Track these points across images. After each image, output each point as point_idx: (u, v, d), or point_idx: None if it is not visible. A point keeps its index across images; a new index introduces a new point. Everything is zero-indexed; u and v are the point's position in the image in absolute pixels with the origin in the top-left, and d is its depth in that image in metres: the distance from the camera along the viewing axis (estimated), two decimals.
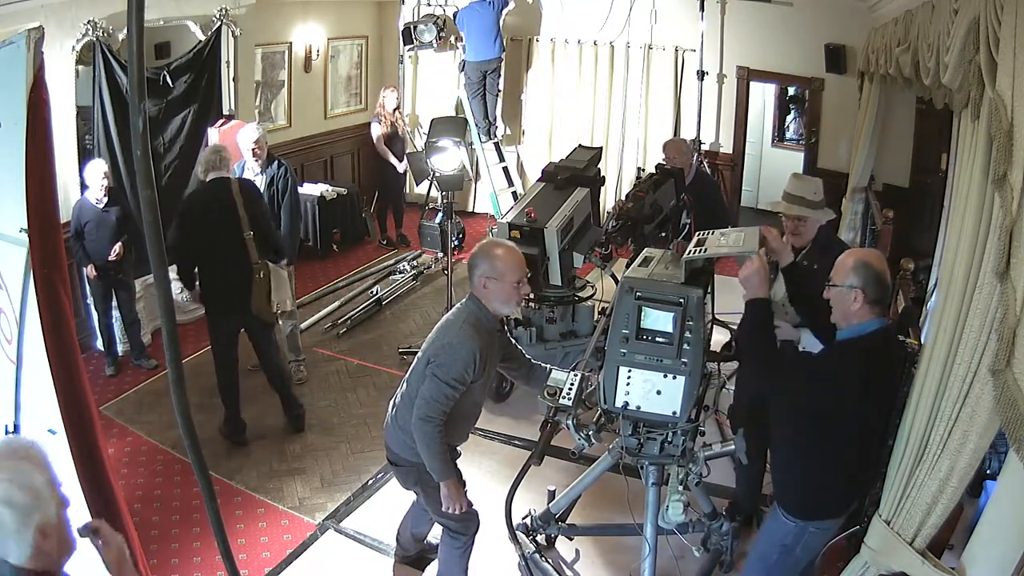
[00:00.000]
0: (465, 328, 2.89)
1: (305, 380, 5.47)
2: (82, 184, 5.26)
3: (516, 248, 3.03)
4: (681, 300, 2.80)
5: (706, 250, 3.01)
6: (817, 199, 3.51)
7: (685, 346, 2.80)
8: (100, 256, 5.12)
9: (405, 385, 3.11)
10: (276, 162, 5.19)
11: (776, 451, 2.98)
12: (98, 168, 5.00)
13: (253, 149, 5.05)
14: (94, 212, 5.04)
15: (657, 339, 2.82)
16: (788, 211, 3.52)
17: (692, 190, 5.20)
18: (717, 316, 5.04)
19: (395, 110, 7.85)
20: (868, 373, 2.54)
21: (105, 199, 5.03)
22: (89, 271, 5.14)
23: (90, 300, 5.63)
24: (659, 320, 2.81)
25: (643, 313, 2.83)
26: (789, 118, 9.47)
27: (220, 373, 4.73)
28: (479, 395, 3.11)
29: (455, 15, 8.00)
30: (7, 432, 2.88)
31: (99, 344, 5.71)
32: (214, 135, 5.94)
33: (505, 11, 7.90)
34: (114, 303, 5.45)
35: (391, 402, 3.22)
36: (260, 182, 5.08)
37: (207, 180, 4.53)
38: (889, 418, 2.77)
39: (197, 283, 4.64)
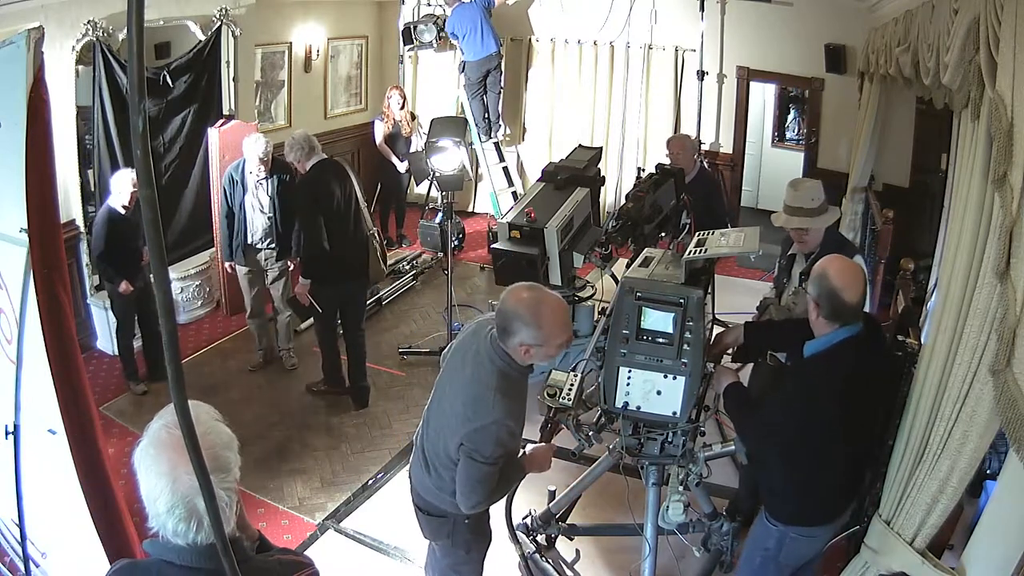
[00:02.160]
0: (496, 402, 2.47)
1: (297, 366, 5.65)
2: (103, 192, 5.24)
3: (561, 301, 2.55)
4: (681, 301, 2.80)
5: (706, 250, 3.01)
6: (816, 205, 3.43)
7: (685, 347, 2.79)
8: (133, 266, 5.00)
9: (438, 441, 2.69)
10: (284, 172, 5.18)
11: (759, 456, 2.98)
12: (127, 176, 4.86)
13: (262, 159, 5.03)
14: (122, 220, 4.87)
15: (657, 339, 2.81)
16: (788, 224, 3.47)
17: (694, 188, 5.20)
18: (717, 316, 5.06)
19: (401, 108, 7.84)
20: (837, 391, 2.50)
21: (131, 205, 4.90)
22: (124, 288, 4.96)
23: (93, 306, 5.62)
24: (659, 320, 2.81)
25: (643, 313, 2.82)
26: (790, 118, 9.46)
27: (332, 351, 5.16)
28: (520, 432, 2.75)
29: (445, 23, 7.98)
30: (7, 433, 2.88)
31: (98, 343, 5.72)
32: (214, 135, 5.94)
33: (494, 6, 7.87)
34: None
35: (416, 438, 2.90)
36: (265, 188, 5.13)
37: (312, 163, 4.73)
38: (876, 426, 2.77)
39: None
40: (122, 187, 4.85)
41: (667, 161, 5.26)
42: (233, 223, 5.17)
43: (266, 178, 5.11)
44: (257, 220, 5.18)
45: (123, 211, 4.88)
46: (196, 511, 1.43)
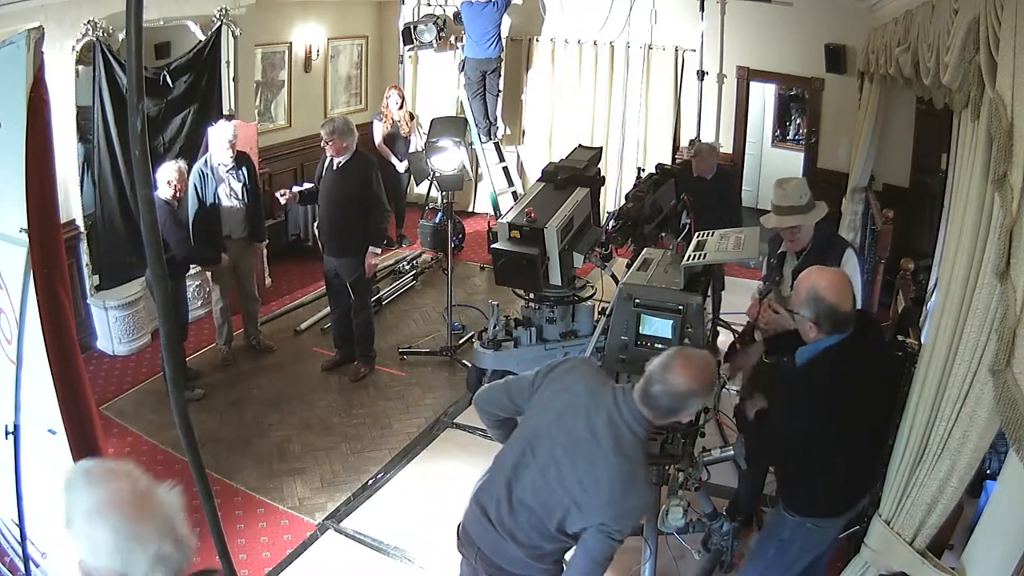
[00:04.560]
0: (646, 479, 2.38)
1: (274, 348, 5.92)
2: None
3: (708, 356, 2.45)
4: (680, 307, 2.79)
5: (705, 255, 3.00)
6: (804, 201, 3.43)
7: None
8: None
9: (546, 516, 2.38)
10: (248, 162, 5.48)
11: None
12: (170, 168, 4.91)
13: (231, 142, 5.26)
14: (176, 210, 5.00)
15: (656, 345, 2.81)
16: (782, 224, 3.47)
17: (716, 186, 5.51)
18: (721, 317, 5.06)
19: (400, 108, 7.84)
20: (836, 390, 2.52)
21: (178, 197, 4.99)
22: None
23: (93, 306, 5.63)
24: (658, 327, 2.81)
25: (642, 320, 2.82)
26: (792, 116, 9.43)
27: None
28: None
29: (455, 15, 8.00)
30: (7, 433, 2.88)
31: (98, 343, 5.72)
32: (214, 135, 5.94)
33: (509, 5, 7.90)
34: None
35: (493, 499, 2.50)
36: (234, 176, 5.32)
37: (355, 148, 5.15)
38: (881, 420, 2.77)
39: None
40: (164, 180, 4.87)
41: (667, 162, 5.33)
42: (204, 219, 5.19)
43: (235, 167, 5.29)
44: (233, 210, 5.33)
45: (176, 203, 4.96)
46: (171, 562, 1.36)
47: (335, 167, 5.10)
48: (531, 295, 5.00)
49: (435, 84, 8.86)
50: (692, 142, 7.75)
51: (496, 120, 8.25)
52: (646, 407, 2.30)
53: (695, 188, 5.40)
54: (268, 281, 6.93)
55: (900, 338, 3.16)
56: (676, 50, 7.89)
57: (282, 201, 5.46)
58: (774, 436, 2.71)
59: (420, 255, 7.79)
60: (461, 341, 5.98)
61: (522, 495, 2.42)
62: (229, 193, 5.30)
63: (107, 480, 1.40)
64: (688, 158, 6.22)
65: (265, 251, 6.73)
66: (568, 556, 2.50)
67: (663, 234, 4.85)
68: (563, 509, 2.34)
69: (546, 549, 2.47)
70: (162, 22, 5.92)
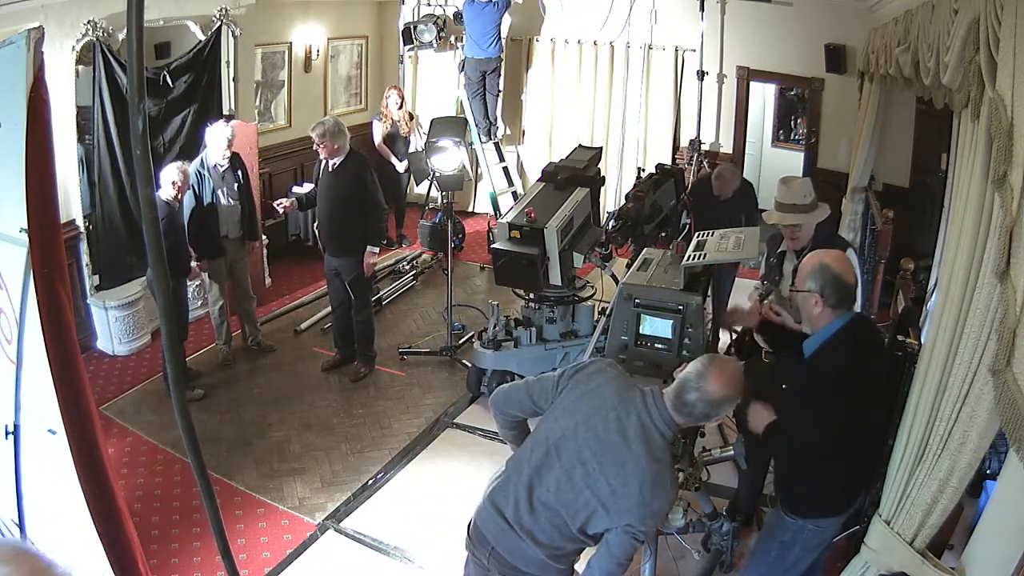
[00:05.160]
0: (674, 479, 2.41)
1: (274, 347, 5.91)
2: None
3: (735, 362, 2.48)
4: (680, 307, 2.80)
5: (705, 255, 3.01)
6: (808, 201, 3.45)
7: (684, 352, 2.80)
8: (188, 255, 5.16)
9: (570, 517, 2.39)
10: (242, 163, 5.53)
11: (776, 453, 2.98)
12: (173, 168, 4.91)
13: (230, 142, 5.29)
14: (176, 212, 4.99)
15: (656, 345, 2.81)
16: (783, 221, 3.47)
17: (740, 204, 5.41)
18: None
19: (399, 108, 7.85)
20: (846, 379, 2.53)
21: (178, 198, 4.98)
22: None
23: (93, 306, 5.63)
24: (658, 327, 2.81)
25: (642, 320, 2.82)
26: (797, 116, 9.40)
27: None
28: None
29: (455, 15, 8.00)
30: (7, 433, 2.88)
31: (98, 343, 5.72)
32: (211, 136, 5.94)
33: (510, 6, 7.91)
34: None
35: (509, 499, 2.48)
36: (230, 177, 5.36)
37: (349, 149, 5.11)
38: (879, 418, 2.77)
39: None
40: (168, 180, 4.86)
41: (667, 162, 5.31)
42: (201, 219, 5.18)
43: (230, 168, 5.33)
44: (229, 210, 5.36)
45: (176, 204, 4.95)
46: None
47: (330, 168, 5.11)
48: (531, 295, 5.02)
49: (435, 84, 8.86)
50: (692, 142, 7.78)
51: (496, 120, 8.25)
52: (679, 413, 2.31)
53: (714, 205, 5.36)
54: (268, 281, 6.93)
55: (900, 338, 3.16)
56: (676, 50, 7.90)
57: (280, 212, 5.48)
58: (784, 441, 2.69)
59: (420, 255, 7.79)
60: (461, 341, 5.98)
61: (544, 496, 2.41)
62: (225, 193, 5.32)
63: (3, 564, 1.36)
64: (704, 175, 6.14)
65: (265, 251, 6.74)
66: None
67: (663, 234, 4.86)
68: (588, 511, 2.35)
69: (566, 549, 2.48)
70: (162, 22, 5.92)
